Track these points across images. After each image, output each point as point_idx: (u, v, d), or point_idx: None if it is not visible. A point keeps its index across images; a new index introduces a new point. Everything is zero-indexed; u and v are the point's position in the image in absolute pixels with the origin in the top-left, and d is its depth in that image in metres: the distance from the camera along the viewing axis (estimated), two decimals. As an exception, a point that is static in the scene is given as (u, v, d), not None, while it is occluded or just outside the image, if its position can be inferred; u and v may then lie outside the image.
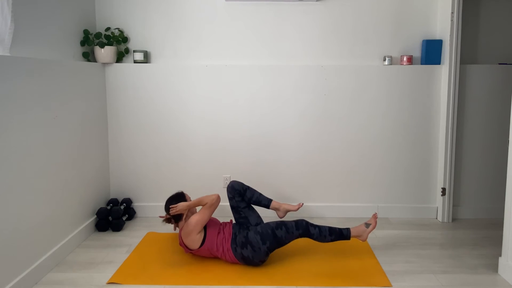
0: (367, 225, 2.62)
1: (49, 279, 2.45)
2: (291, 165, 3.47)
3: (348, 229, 2.60)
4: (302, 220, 2.58)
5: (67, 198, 2.78)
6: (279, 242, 2.53)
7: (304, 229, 2.54)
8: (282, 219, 2.61)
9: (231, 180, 2.96)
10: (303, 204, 2.91)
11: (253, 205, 2.83)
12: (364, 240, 2.63)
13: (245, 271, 2.52)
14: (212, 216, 2.77)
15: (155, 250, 2.82)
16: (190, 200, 2.72)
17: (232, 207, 2.80)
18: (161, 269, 2.55)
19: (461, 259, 2.71)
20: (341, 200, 3.52)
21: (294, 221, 2.57)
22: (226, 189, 2.67)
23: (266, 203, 2.82)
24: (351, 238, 2.64)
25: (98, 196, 3.28)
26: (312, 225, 2.57)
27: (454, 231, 3.20)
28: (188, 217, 2.64)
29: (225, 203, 3.50)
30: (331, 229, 2.58)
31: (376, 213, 2.70)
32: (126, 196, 3.51)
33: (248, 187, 2.82)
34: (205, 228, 2.59)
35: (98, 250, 2.84)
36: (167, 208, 2.66)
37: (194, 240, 2.53)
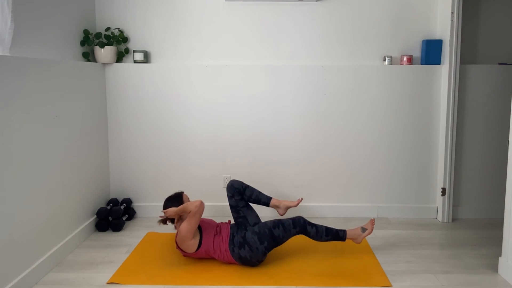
0: (363, 229, 2.64)
1: (49, 279, 2.44)
2: (291, 165, 3.47)
3: (344, 231, 2.62)
4: (300, 218, 2.58)
5: (67, 198, 2.78)
6: (277, 241, 2.54)
7: (301, 227, 2.55)
8: (280, 218, 2.61)
9: (231, 179, 2.95)
10: (302, 199, 2.92)
11: (252, 204, 2.83)
12: (359, 243, 2.67)
13: (245, 271, 2.51)
14: (208, 218, 2.78)
15: (155, 250, 2.82)
16: (189, 201, 2.72)
17: (231, 206, 2.79)
18: (161, 269, 2.55)
19: (461, 259, 2.71)
20: (341, 200, 3.52)
21: (291, 218, 2.57)
22: (225, 188, 2.64)
23: (266, 201, 2.84)
24: (346, 240, 2.66)
25: (98, 196, 3.28)
26: (309, 223, 2.57)
27: (454, 231, 3.20)
28: (181, 220, 2.62)
29: (224, 203, 3.50)
30: (327, 229, 2.59)
31: (373, 219, 2.70)
32: (126, 196, 3.51)
33: (248, 186, 2.83)
34: (200, 231, 2.58)
35: (98, 250, 2.84)
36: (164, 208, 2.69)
37: (190, 245, 2.52)
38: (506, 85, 3.36)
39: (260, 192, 2.85)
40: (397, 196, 3.51)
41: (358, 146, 3.45)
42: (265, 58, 3.42)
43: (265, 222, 2.60)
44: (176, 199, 2.69)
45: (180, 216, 2.60)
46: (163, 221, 2.70)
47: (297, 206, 2.89)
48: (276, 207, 2.85)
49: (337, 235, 2.60)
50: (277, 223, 2.55)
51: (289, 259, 2.68)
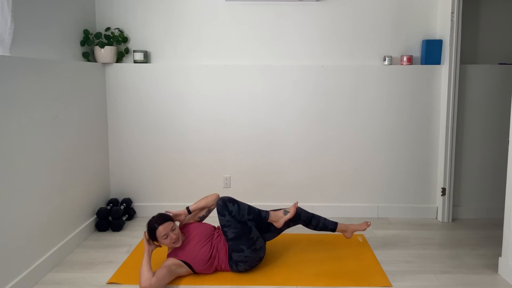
0: (285, 212, 2.54)
1: (49, 279, 2.45)
2: (291, 164, 3.47)
3: (267, 212, 2.51)
4: (219, 201, 2.41)
5: (67, 198, 2.78)
6: (240, 236, 2.40)
7: (225, 209, 2.38)
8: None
9: (296, 204, 2.64)
10: (370, 223, 2.83)
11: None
12: (279, 227, 2.54)
13: (245, 272, 2.51)
14: (199, 232, 2.56)
15: (155, 250, 2.81)
16: (179, 216, 2.55)
17: (279, 230, 2.67)
18: (161, 269, 2.55)
19: (461, 259, 2.71)
20: (341, 200, 3.52)
21: (217, 211, 2.41)
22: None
23: (332, 227, 2.76)
24: (269, 221, 2.54)
25: (98, 196, 3.28)
26: (231, 201, 2.41)
27: (454, 231, 3.20)
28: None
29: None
30: (250, 208, 2.45)
31: (296, 202, 2.58)
32: (126, 196, 3.51)
33: (314, 215, 2.75)
34: (190, 265, 2.42)
35: (98, 250, 2.84)
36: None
37: (182, 276, 2.45)
38: (506, 85, 3.36)
39: (325, 219, 2.76)
40: (397, 196, 3.51)
41: (358, 146, 3.45)
42: (265, 58, 3.42)
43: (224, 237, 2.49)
44: (150, 232, 2.41)
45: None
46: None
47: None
48: (343, 231, 2.79)
49: (259, 215, 2.48)
50: (222, 231, 2.43)
51: (289, 259, 2.68)
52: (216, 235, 2.58)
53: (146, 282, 2.21)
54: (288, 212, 2.54)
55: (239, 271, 2.49)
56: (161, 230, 2.37)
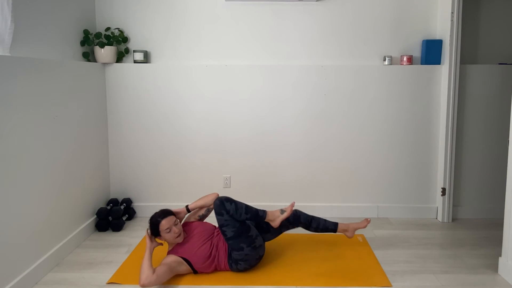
0: (282, 211, 2.54)
1: (49, 279, 2.45)
2: (292, 165, 3.47)
3: (264, 211, 2.52)
4: (216, 200, 2.43)
5: (67, 198, 2.78)
6: (239, 235, 2.40)
7: (222, 208, 2.40)
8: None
9: (293, 204, 2.58)
10: (370, 219, 2.85)
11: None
12: (276, 226, 2.53)
13: (245, 271, 2.52)
14: (202, 229, 2.58)
15: (155, 250, 2.81)
16: (179, 214, 2.57)
17: (278, 231, 2.70)
18: (161, 269, 2.55)
19: (461, 259, 2.71)
20: (341, 200, 3.52)
21: (215, 211, 2.43)
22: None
23: (333, 227, 2.76)
24: (266, 221, 2.54)
25: (98, 196, 3.28)
26: (228, 200, 2.43)
27: (454, 231, 3.20)
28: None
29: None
30: (247, 208, 2.46)
31: (293, 202, 2.56)
32: (126, 196, 3.51)
33: (313, 217, 2.75)
34: (190, 263, 2.42)
35: (98, 250, 2.84)
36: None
37: (182, 274, 2.45)
38: (506, 85, 3.36)
39: (326, 220, 2.77)
40: (397, 196, 3.51)
41: (358, 146, 3.45)
42: (265, 57, 3.42)
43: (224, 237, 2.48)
44: (153, 227, 2.44)
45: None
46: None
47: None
48: (344, 231, 2.79)
49: (256, 214, 2.48)
50: (221, 230, 2.44)
51: (289, 259, 2.68)
52: (216, 234, 2.58)
53: (147, 279, 2.20)
54: (285, 211, 2.54)
55: (238, 270, 2.49)
56: (164, 223, 2.40)
